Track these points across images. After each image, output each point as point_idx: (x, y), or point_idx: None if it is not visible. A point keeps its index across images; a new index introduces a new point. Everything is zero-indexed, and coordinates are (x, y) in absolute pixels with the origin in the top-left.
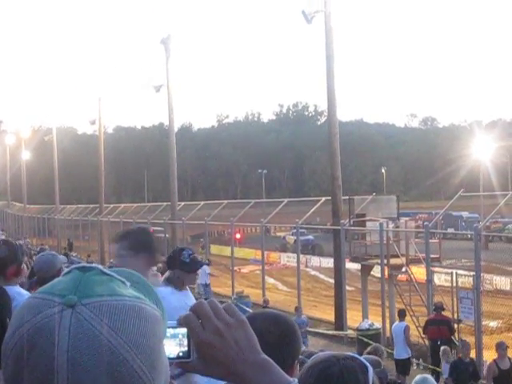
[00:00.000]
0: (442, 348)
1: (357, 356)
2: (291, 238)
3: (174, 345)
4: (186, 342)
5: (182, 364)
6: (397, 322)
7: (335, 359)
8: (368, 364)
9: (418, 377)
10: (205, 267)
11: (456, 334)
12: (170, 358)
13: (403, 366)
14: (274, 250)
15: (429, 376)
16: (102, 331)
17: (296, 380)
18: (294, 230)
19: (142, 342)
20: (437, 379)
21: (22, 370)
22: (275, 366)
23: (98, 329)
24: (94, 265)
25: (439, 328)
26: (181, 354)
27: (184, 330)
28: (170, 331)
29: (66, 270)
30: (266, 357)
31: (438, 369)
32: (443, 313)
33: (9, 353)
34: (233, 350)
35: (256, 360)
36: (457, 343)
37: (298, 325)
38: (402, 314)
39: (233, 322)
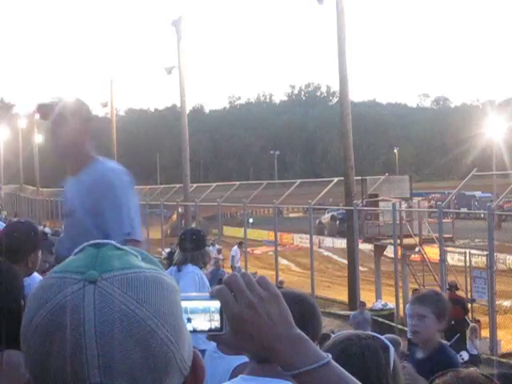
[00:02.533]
0: (470, 326)
1: (378, 335)
2: (327, 218)
3: (206, 318)
4: (218, 315)
5: (215, 337)
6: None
7: (356, 338)
8: (389, 344)
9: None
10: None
11: (469, 314)
12: (202, 331)
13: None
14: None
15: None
16: (126, 304)
17: (330, 355)
18: (334, 212)
19: (166, 311)
20: None
21: (49, 351)
22: (309, 341)
23: (123, 302)
24: (106, 241)
25: (453, 308)
26: (213, 327)
27: (217, 303)
28: (202, 304)
29: (77, 249)
30: (299, 332)
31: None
32: (457, 292)
33: (31, 335)
34: (266, 323)
35: (289, 334)
36: (470, 323)
37: (360, 322)
38: (416, 294)
39: (266, 296)
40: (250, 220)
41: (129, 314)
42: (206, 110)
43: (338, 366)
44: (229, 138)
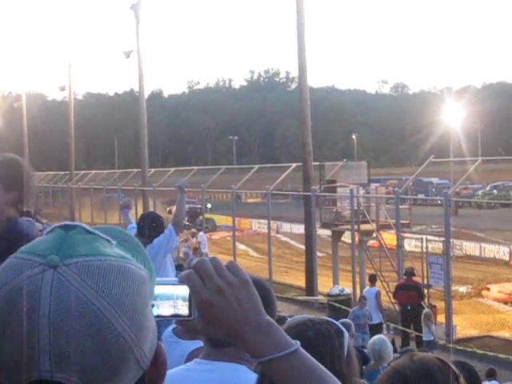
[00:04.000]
0: (424, 311)
1: (333, 320)
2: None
3: (174, 303)
4: (187, 300)
5: (183, 322)
6: (368, 287)
7: (311, 323)
8: (344, 329)
9: (374, 338)
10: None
11: (426, 299)
12: (170, 316)
13: (375, 331)
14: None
15: (385, 338)
16: (84, 293)
17: (299, 343)
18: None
19: (128, 303)
20: (407, 342)
21: (4, 333)
22: (278, 328)
23: (81, 290)
24: (77, 223)
25: (409, 293)
26: (181, 313)
27: (185, 289)
28: (170, 289)
29: (48, 228)
30: (269, 318)
31: (408, 330)
32: (413, 278)
33: None
34: (234, 310)
35: (258, 321)
36: (426, 308)
37: (358, 316)
38: (372, 279)
39: (235, 281)
40: (209, 205)
41: (85, 303)
42: (165, 95)
43: (306, 353)
44: (187, 122)
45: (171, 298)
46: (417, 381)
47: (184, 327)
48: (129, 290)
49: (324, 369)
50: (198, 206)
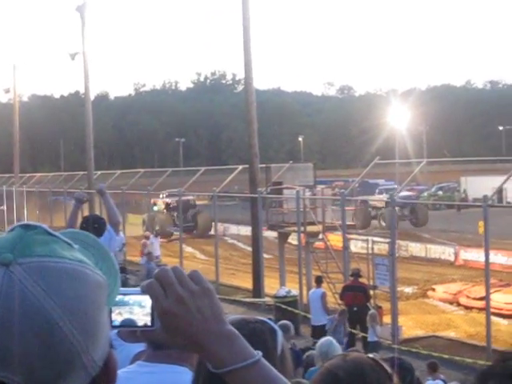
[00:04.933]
0: (369, 313)
1: (267, 320)
2: (372, 198)
3: (137, 313)
4: (149, 310)
5: (145, 333)
6: (313, 289)
7: (244, 322)
8: (277, 328)
9: (322, 340)
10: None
11: (372, 300)
12: (133, 326)
13: (321, 332)
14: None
15: (333, 339)
16: (34, 293)
17: (261, 353)
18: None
19: (78, 307)
20: (352, 343)
21: None
22: (240, 338)
23: (32, 290)
24: (38, 224)
25: (355, 294)
26: (144, 323)
27: (147, 298)
28: (132, 298)
29: (11, 227)
30: (231, 328)
31: (354, 331)
32: (360, 279)
33: None
34: (196, 319)
35: (220, 331)
36: (372, 309)
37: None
38: (319, 281)
39: (197, 290)
40: (155, 208)
41: (34, 304)
42: (111, 97)
43: (267, 364)
44: (134, 125)
45: (138, 307)
46: (349, 381)
47: (147, 338)
48: (81, 295)
49: (285, 380)
50: (190, 197)
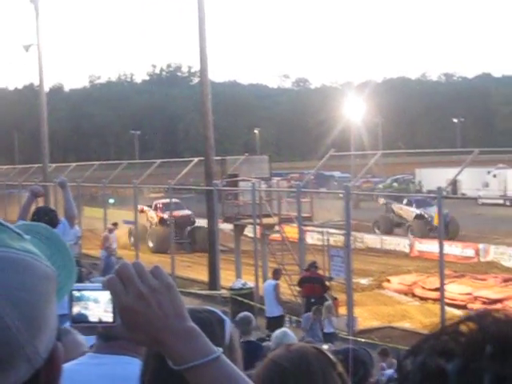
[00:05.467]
0: (325, 304)
1: (215, 310)
2: (399, 207)
3: (98, 309)
4: (110, 306)
5: (106, 329)
6: (268, 281)
7: (191, 312)
8: (226, 318)
9: (278, 331)
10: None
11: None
12: (94, 322)
13: (275, 324)
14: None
15: (288, 330)
16: None
17: (221, 350)
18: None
19: (23, 297)
20: None
21: None
22: (201, 334)
23: None
24: None
25: (313, 285)
26: (105, 319)
27: (108, 294)
28: (94, 294)
29: None
30: (192, 324)
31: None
32: (317, 271)
33: None
34: (156, 315)
35: (181, 327)
36: (329, 300)
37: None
38: (277, 273)
39: (158, 286)
40: (111, 200)
41: None
42: (66, 89)
43: (227, 361)
44: (89, 117)
45: (98, 303)
46: (294, 371)
47: (108, 334)
48: (27, 285)
49: (245, 377)
50: (189, 212)
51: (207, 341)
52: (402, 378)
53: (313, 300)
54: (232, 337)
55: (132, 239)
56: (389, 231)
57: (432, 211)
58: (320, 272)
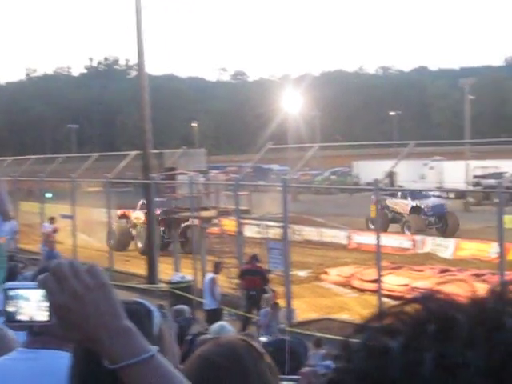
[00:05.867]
0: (264, 296)
1: (143, 301)
2: (393, 202)
3: (33, 307)
4: (43, 304)
5: (42, 327)
6: (207, 274)
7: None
8: (154, 309)
9: (215, 325)
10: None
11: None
12: (27, 321)
13: (214, 316)
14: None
15: (225, 324)
16: None
17: (156, 348)
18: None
19: None
20: (247, 327)
21: None
22: (136, 333)
23: None
24: None
25: (253, 278)
26: (40, 318)
27: (43, 293)
28: (28, 293)
29: None
30: (127, 323)
31: (249, 315)
32: (258, 263)
33: None
34: (92, 314)
35: (116, 326)
36: (270, 292)
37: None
38: (217, 267)
39: (93, 285)
40: (49, 195)
41: None
42: (2, 83)
43: (163, 360)
44: (25, 111)
45: (27, 303)
46: (225, 365)
47: (44, 333)
48: None
49: (181, 376)
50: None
51: (142, 339)
52: (346, 355)
53: (253, 293)
54: (161, 327)
55: (111, 241)
56: (384, 228)
57: (430, 202)
58: (261, 265)
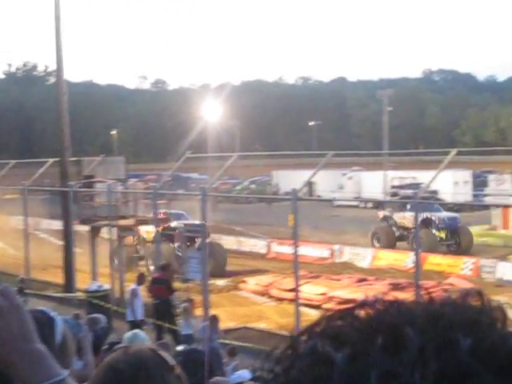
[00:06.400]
0: (182, 306)
1: (46, 310)
2: (401, 216)
3: None
4: None
5: None
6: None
7: None
8: (57, 318)
9: (128, 333)
10: None
11: (187, 293)
12: None
13: (137, 327)
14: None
15: (139, 332)
16: None
17: (67, 372)
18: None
19: None
20: (161, 337)
21: None
22: (48, 356)
23: None
24: None
25: (160, 287)
26: None
27: None
28: None
29: None
30: (39, 346)
31: (159, 323)
32: (168, 272)
33: None
34: (5, 338)
35: (28, 349)
36: (173, 303)
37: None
38: (141, 278)
39: (5, 307)
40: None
41: None
42: None
43: (73, 382)
44: None
45: None
46: (130, 373)
47: None
48: None
49: None
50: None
51: (53, 363)
52: (292, 358)
53: (159, 301)
54: (65, 336)
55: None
56: (391, 245)
57: (442, 215)
58: (175, 273)
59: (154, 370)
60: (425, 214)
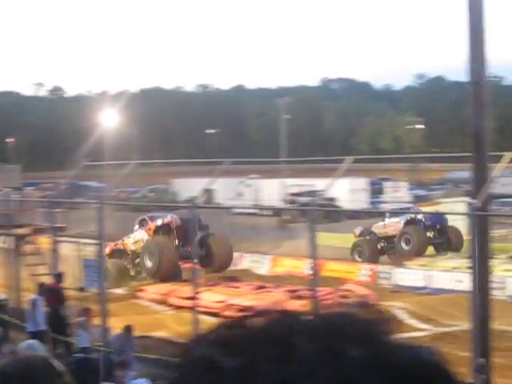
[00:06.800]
0: (78, 320)
1: None
2: (381, 226)
3: None
4: None
5: None
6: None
7: None
8: None
9: (23, 343)
10: None
11: (83, 302)
12: None
13: (40, 338)
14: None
15: (35, 342)
16: None
17: None
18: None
19: None
20: (57, 347)
21: None
22: None
23: None
24: None
25: (52, 296)
26: None
27: None
28: None
29: None
30: None
31: (52, 335)
32: (62, 282)
33: None
34: None
35: None
36: (63, 313)
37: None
38: (41, 288)
39: None
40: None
41: None
42: None
43: None
44: None
45: None
46: (18, 378)
47: None
48: None
49: None
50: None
51: None
52: (186, 366)
53: (52, 311)
54: None
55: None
56: (375, 259)
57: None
58: (70, 283)
59: (42, 375)
60: (408, 216)
